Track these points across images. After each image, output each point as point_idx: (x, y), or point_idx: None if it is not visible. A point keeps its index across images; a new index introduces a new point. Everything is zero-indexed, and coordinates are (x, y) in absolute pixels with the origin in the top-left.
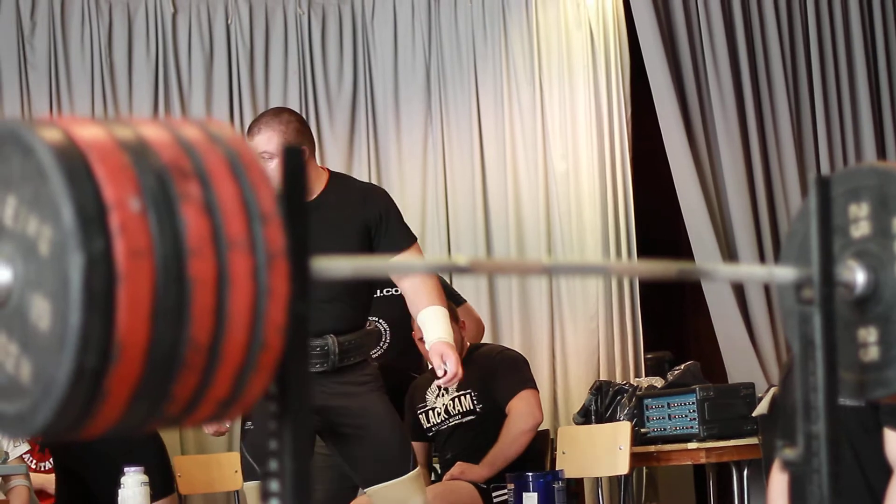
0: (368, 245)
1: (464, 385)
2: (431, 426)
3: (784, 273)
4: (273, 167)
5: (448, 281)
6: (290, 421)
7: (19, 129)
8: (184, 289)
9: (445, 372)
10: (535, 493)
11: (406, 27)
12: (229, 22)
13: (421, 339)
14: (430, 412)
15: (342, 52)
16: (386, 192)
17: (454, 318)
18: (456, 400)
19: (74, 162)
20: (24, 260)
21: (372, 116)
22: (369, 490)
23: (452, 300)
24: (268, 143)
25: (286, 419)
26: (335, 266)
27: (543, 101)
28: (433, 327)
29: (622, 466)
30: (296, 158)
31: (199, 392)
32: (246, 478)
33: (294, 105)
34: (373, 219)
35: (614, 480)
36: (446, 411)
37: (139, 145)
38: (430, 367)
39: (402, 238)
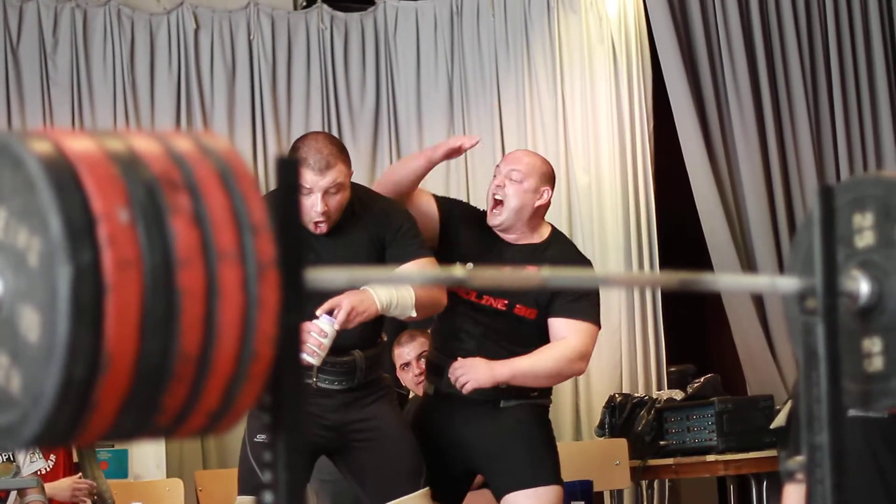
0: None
1: None
2: None
3: (787, 283)
4: (340, 199)
5: None
6: (284, 432)
7: (9, 141)
8: (173, 300)
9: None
10: (583, 502)
11: (428, 41)
12: (251, 38)
13: (402, 367)
14: None
15: (364, 67)
16: (406, 210)
17: None
18: None
19: (63, 174)
20: (14, 271)
21: (395, 131)
22: None
23: None
24: (339, 174)
25: (280, 430)
26: (329, 277)
27: (565, 114)
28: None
29: (622, 481)
30: (291, 170)
31: (189, 403)
32: (242, 491)
33: (317, 120)
34: (388, 236)
35: (632, 493)
36: None
37: (129, 157)
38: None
39: (411, 251)
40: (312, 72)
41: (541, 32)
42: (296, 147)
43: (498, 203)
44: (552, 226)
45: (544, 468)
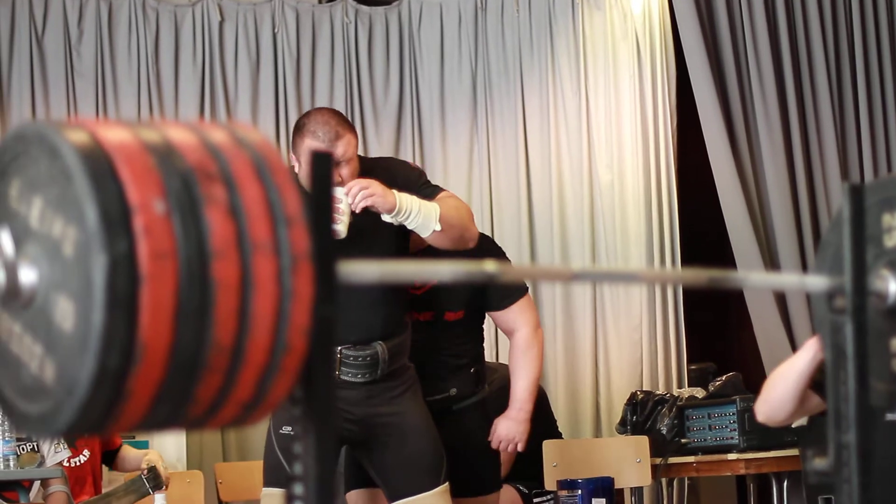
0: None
1: None
2: None
3: (816, 282)
4: (351, 169)
5: None
6: (315, 425)
7: (46, 131)
8: (207, 291)
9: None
10: (604, 499)
11: (453, 36)
12: (276, 31)
13: None
14: None
15: (388, 61)
16: (403, 162)
17: None
18: None
19: (99, 164)
20: (50, 261)
21: (418, 125)
22: None
23: None
24: (349, 144)
25: (311, 423)
26: (362, 270)
27: (589, 111)
28: None
29: (643, 478)
30: (324, 163)
31: (222, 394)
32: (268, 483)
33: None
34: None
35: (652, 490)
36: None
37: (165, 148)
38: None
39: (429, 192)
40: (336, 66)
41: (565, 28)
42: (301, 123)
43: None
44: None
45: (488, 477)
